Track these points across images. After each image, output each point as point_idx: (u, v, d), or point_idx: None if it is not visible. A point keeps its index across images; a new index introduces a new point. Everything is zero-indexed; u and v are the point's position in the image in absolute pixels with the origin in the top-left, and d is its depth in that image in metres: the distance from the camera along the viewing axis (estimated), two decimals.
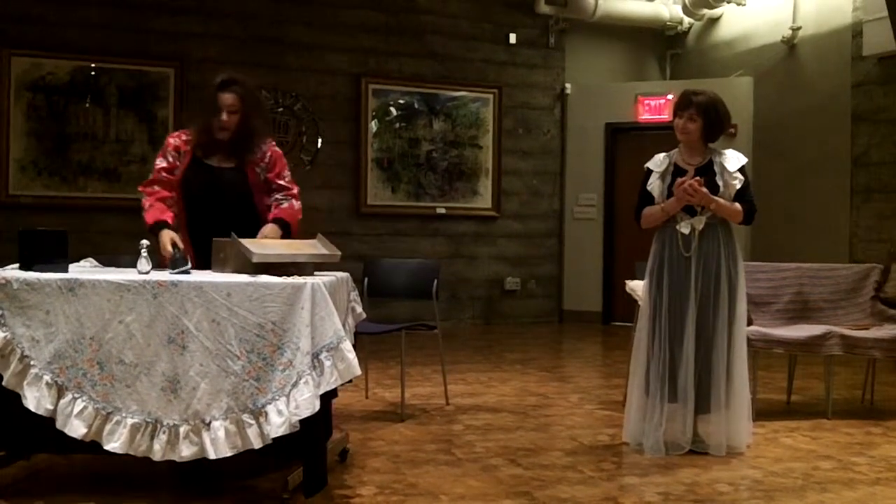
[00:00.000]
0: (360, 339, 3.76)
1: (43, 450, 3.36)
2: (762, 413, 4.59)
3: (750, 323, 4.71)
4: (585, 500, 3.20)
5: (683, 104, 3.94)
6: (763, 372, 4.90)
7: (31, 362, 2.98)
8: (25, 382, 2.97)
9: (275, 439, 2.93)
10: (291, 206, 3.79)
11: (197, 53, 8.10)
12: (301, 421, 2.92)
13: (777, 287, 5.06)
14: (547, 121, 9.62)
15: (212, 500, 3.14)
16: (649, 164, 4.06)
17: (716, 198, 3.83)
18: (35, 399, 2.95)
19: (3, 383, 2.96)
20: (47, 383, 2.97)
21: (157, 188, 3.73)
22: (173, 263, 3.33)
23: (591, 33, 9.74)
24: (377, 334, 4.66)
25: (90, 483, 3.31)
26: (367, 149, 8.84)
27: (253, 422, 2.94)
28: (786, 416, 4.73)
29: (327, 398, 3.14)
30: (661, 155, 4.06)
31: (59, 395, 2.97)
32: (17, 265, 3.18)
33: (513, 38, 9.42)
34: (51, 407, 2.96)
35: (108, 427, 2.96)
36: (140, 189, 3.78)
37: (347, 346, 3.03)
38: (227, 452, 2.94)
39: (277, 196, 3.80)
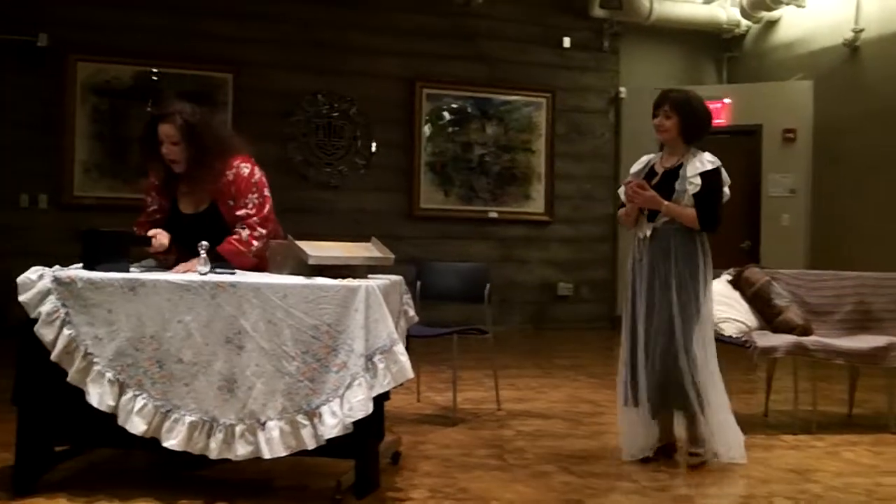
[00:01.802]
0: (412, 343, 3.77)
1: (104, 445, 3.45)
2: (822, 426, 4.50)
3: (810, 333, 4.62)
4: None
5: (658, 101, 3.85)
6: (823, 383, 4.79)
7: (94, 360, 3.05)
8: (89, 379, 3.04)
9: (328, 440, 2.95)
10: (239, 237, 3.48)
11: (253, 58, 8.24)
12: (354, 423, 2.94)
13: (838, 296, 4.94)
14: (601, 125, 9.56)
15: (265, 499, 3.18)
16: (633, 166, 4.04)
17: (666, 202, 3.72)
18: (98, 395, 3.03)
19: (68, 379, 3.04)
20: (109, 380, 3.04)
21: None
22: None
23: (646, 36, 9.64)
24: (429, 338, 4.67)
25: (148, 478, 3.39)
26: (421, 152, 8.88)
27: (307, 422, 2.97)
28: (847, 429, 4.61)
29: (380, 400, 3.15)
30: (646, 157, 4.02)
31: (121, 392, 3.04)
32: (80, 265, 3.26)
33: (566, 41, 9.38)
34: (112, 403, 3.03)
35: (166, 424, 3.02)
36: (136, 229, 3.63)
37: (400, 348, 3.04)
38: (281, 452, 2.97)
39: (237, 226, 3.52)
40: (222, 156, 3.55)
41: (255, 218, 3.52)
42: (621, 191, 3.94)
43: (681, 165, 3.80)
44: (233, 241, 3.47)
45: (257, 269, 3.47)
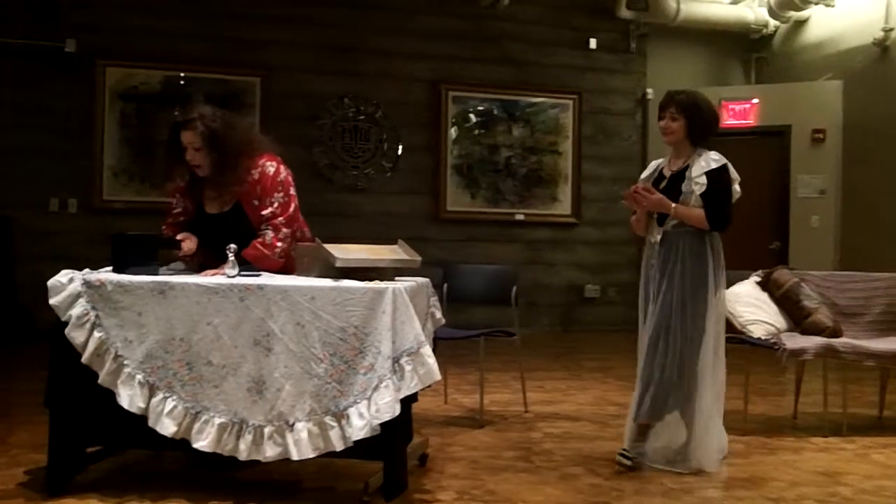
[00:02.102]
0: (439, 345, 3.77)
1: (135, 446, 3.49)
2: (852, 428, 4.44)
3: (839, 334, 4.57)
4: None
5: (664, 103, 3.81)
6: (853, 386, 4.72)
7: (125, 362, 3.09)
8: (119, 381, 3.08)
9: (356, 442, 2.96)
10: (263, 240, 3.50)
11: (281, 62, 8.30)
12: (382, 424, 2.95)
13: (868, 297, 4.88)
14: (627, 126, 9.51)
15: (294, 500, 3.20)
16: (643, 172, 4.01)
17: (674, 204, 3.69)
18: (128, 397, 3.06)
19: (99, 382, 3.08)
20: (140, 382, 3.08)
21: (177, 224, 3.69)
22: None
23: (673, 37, 9.57)
24: (456, 340, 4.67)
25: (179, 479, 3.41)
26: (447, 155, 8.89)
27: (335, 424, 2.98)
28: (877, 431, 4.56)
29: (407, 402, 3.16)
30: (655, 162, 3.99)
31: (151, 394, 3.08)
32: (109, 268, 3.30)
33: (593, 43, 9.34)
34: (143, 405, 3.06)
35: (196, 426, 3.05)
36: (164, 229, 3.68)
37: (427, 350, 3.05)
38: (309, 454, 2.99)
39: (262, 227, 3.53)
40: (248, 156, 3.54)
41: (280, 218, 3.53)
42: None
43: (687, 167, 3.77)
44: (257, 246, 3.49)
45: (285, 267, 3.50)
